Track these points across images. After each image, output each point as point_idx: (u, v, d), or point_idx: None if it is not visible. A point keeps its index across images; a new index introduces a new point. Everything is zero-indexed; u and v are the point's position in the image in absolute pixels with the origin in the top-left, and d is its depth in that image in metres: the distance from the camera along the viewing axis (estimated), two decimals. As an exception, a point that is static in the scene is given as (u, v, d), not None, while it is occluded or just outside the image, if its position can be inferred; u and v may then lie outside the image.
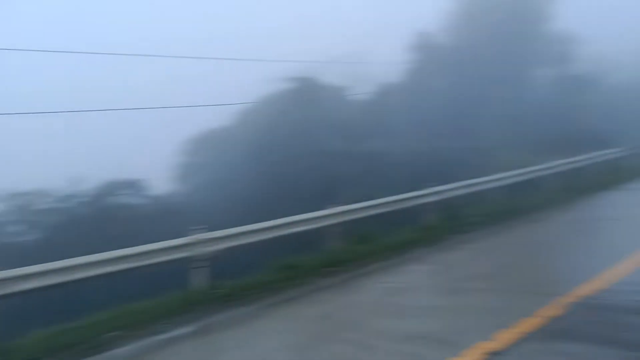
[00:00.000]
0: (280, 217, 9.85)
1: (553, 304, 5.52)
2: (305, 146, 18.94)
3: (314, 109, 20.85)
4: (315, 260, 9.33)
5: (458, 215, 12.04)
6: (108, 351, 6.45)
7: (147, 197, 21.92)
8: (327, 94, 22.79)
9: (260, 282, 8.51)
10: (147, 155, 28.56)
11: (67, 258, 7.30)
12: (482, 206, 13.24)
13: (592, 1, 43.47)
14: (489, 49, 26.01)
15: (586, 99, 26.17)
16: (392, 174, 18.85)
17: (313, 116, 20.49)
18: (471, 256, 9.04)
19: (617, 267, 6.66)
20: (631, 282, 6.10)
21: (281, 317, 6.92)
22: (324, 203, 10.72)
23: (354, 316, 6.41)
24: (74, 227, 17.51)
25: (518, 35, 27.23)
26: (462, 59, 25.79)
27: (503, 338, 4.90)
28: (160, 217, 17.42)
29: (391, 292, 7.31)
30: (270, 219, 9.70)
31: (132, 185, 21.94)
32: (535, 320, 5.21)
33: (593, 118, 24.08)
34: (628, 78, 34.06)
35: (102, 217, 18.59)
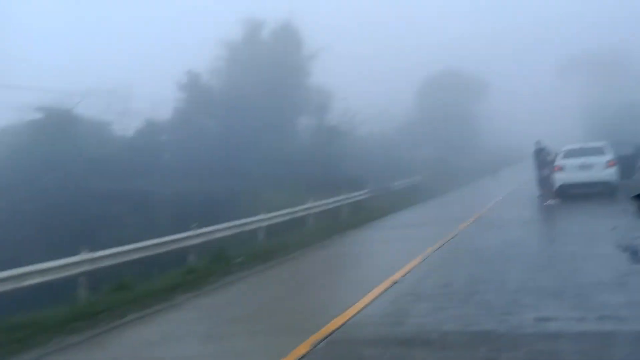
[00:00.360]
0: (24, 265, 8.40)
1: (304, 343, 5.51)
2: (58, 183, 16.90)
3: (68, 144, 18.84)
4: (60, 315, 8.07)
5: (224, 257, 11.80)
6: None
7: None
8: (84, 128, 20.89)
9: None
10: None
11: None
12: (249, 246, 13.28)
13: (344, 62, 48.79)
14: (256, 95, 27.02)
15: (340, 146, 28.74)
16: (158, 215, 17.96)
17: (67, 151, 18.48)
18: (234, 299, 8.82)
19: (363, 300, 7.03)
20: (372, 315, 6.47)
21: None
22: (78, 247, 9.51)
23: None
24: None
25: (282, 85, 28.86)
26: (231, 102, 26.28)
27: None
28: None
29: (147, 344, 6.62)
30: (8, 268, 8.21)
31: None
32: (286, 362, 5.12)
33: (346, 164, 26.45)
34: (373, 130, 38.74)
35: None
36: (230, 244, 13.06)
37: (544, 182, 17.71)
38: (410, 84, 52.03)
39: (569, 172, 16.82)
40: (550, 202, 16.89)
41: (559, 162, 17.32)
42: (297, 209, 16.50)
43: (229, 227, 13.38)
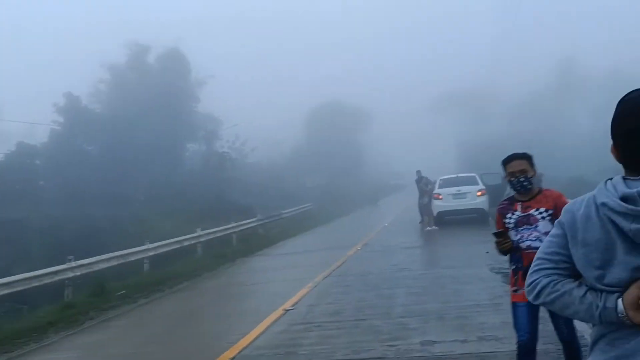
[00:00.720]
0: None
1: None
2: None
3: None
4: None
5: (105, 290, 10.98)
6: None
7: None
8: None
9: None
10: None
11: None
12: (133, 278, 12.50)
13: (235, 91, 48.67)
14: (142, 120, 25.99)
15: (230, 173, 28.38)
16: (31, 245, 16.42)
17: None
18: (116, 335, 8.17)
19: (254, 332, 6.84)
20: (263, 346, 6.29)
21: None
22: None
23: None
24: None
25: (170, 111, 28.05)
26: (114, 127, 25.00)
27: None
28: None
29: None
30: None
31: None
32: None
33: (236, 191, 26.12)
34: (263, 158, 38.81)
35: None
36: (112, 276, 12.23)
37: (424, 209, 18.65)
38: (299, 114, 53.14)
39: (445, 200, 17.87)
40: (430, 227, 17.80)
41: (437, 190, 18.37)
42: (185, 237, 15.89)
43: (111, 258, 12.52)
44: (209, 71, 32.77)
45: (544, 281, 1.58)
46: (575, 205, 1.58)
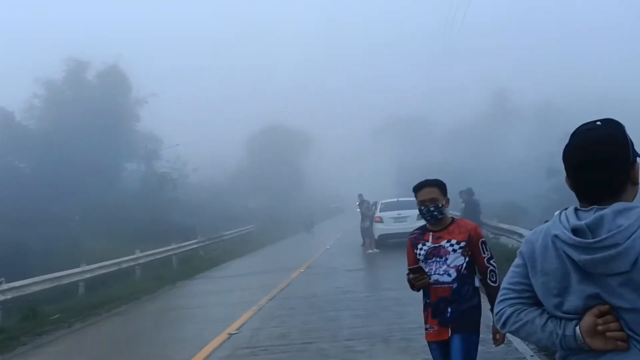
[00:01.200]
0: None
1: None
2: None
3: None
4: None
5: (38, 314, 10.43)
6: None
7: None
8: None
9: None
10: None
11: None
12: (68, 301, 11.95)
13: (176, 110, 47.97)
14: (79, 138, 25.11)
15: (170, 194, 27.76)
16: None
17: None
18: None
19: (196, 358, 6.70)
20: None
21: None
22: None
23: None
24: None
25: (109, 129, 27.25)
26: (49, 144, 23.99)
27: None
28: None
29: None
30: None
31: None
32: None
33: (177, 212, 25.57)
34: (204, 178, 38.23)
35: None
36: (46, 300, 11.64)
37: (366, 232, 18.92)
38: (242, 135, 52.93)
39: (386, 224, 18.21)
40: (371, 250, 18.06)
41: (378, 214, 18.71)
42: (123, 259, 15.35)
43: (44, 280, 11.91)
44: (151, 89, 32.17)
45: (508, 311, 1.66)
46: (534, 236, 1.66)
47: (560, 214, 1.61)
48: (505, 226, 14.75)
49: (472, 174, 34.16)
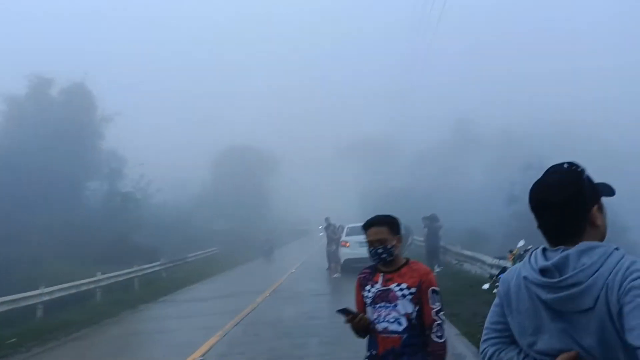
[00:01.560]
0: None
1: None
2: None
3: None
4: None
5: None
6: None
7: None
8: None
9: None
10: None
11: None
12: (25, 325, 11.52)
13: (142, 129, 47.37)
14: (40, 154, 24.46)
15: (134, 214, 27.23)
16: None
17: None
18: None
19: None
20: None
21: None
22: None
23: None
24: None
25: (72, 146, 26.65)
26: (8, 160, 23.26)
27: None
28: None
29: None
30: None
31: None
32: None
33: (139, 233, 25.06)
34: (168, 199, 37.64)
35: None
36: (2, 323, 11.20)
37: (332, 256, 18.95)
38: (207, 156, 52.54)
39: (352, 248, 18.29)
40: (337, 275, 18.07)
41: (344, 238, 18.79)
42: (83, 281, 14.94)
43: (1, 303, 11.49)
44: (117, 108, 31.66)
45: (490, 350, 1.73)
46: (509, 275, 1.74)
47: (530, 254, 1.68)
48: (469, 253, 15.03)
49: (435, 199, 34.73)
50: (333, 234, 19.15)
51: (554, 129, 43.90)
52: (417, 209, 28.66)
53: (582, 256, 1.54)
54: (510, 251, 7.43)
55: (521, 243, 7.33)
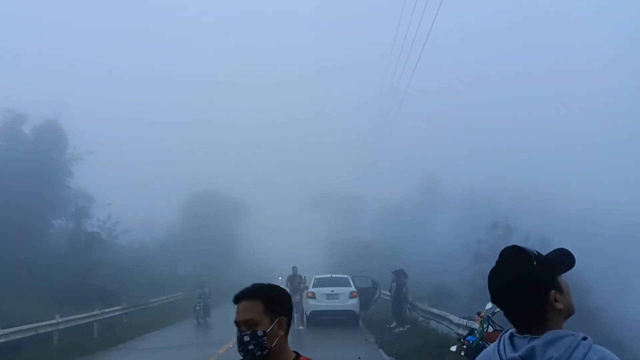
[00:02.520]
0: None
1: None
2: None
3: None
4: None
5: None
6: None
7: None
8: None
9: None
10: None
11: None
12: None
13: (111, 170, 46.80)
14: (6, 190, 23.87)
15: (97, 255, 26.53)
16: None
17: None
18: None
19: None
20: None
21: None
22: None
23: None
24: None
25: (38, 183, 26.11)
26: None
27: None
28: None
29: None
30: None
31: None
32: None
33: (102, 275, 24.33)
34: (134, 241, 36.90)
35: None
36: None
37: (296, 307, 18.66)
38: (176, 200, 51.99)
39: (319, 300, 18.09)
40: (301, 327, 17.77)
41: (311, 289, 18.56)
42: (41, 324, 14.25)
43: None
44: (88, 147, 31.34)
45: None
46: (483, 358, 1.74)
47: (499, 340, 1.68)
48: (436, 311, 15.01)
49: (402, 253, 34.90)
50: (298, 284, 18.91)
51: (519, 189, 45.05)
52: (384, 263, 28.73)
53: (548, 348, 1.53)
54: (478, 313, 7.50)
55: (489, 305, 7.40)
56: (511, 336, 1.65)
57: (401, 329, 16.09)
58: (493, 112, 65.14)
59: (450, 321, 12.87)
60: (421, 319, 17.22)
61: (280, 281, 22.43)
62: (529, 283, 1.59)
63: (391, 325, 16.92)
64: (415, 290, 19.18)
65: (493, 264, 1.72)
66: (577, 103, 60.57)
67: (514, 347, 1.61)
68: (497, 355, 1.64)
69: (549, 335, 1.55)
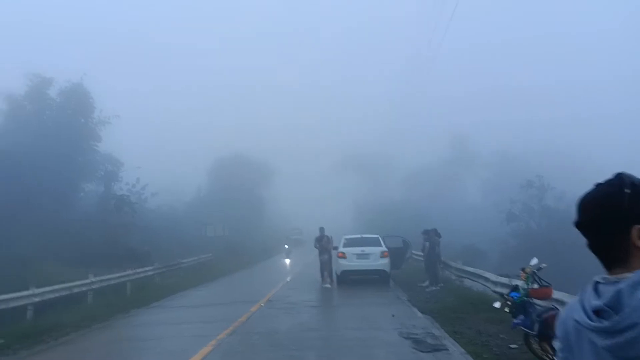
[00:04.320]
0: None
1: None
2: None
3: None
4: None
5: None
6: None
7: None
8: None
9: None
10: None
11: None
12: (14, 326, 11.11)
13: (140, 134, 47.04)
14: (36, 154, 24.08)
15: (127, 218, 26.84)
16: None
17: None
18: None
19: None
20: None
21: None
22: None
23: None
24: None
25: (68, 147, 26.29)
26: (6, 159, 22.82)
27: None
28: None
29: None
30: None
31: None
32: None
33: (133, 237, 24.65)
34: (162, 203, 37.28)
35: None
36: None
37: (324, 266, 18.58)
38: (204, 162, 52.27)
39: (349, 260, 17.93)
40: (328, 285, 17.74)
41: (341, 249, 18.39)
42: (75, 283, 14.50)
43: (-12, 304, 11.11)
44: (115, 111, 31.33)
45: None
46: (567, 313, 1.51)
47: (582, 290, 1.46)
48: (471, 269, 14.71)
49: (431, 215, 34.52)
50: (326, 245, 18.76)
51: (551, 148, 43.83)
52: (412, 224, 28.44)
53: (636, 289, 1.31)
54: (523, 269, 7.15)
55: (534, 261, 7.06)
56: (595, 285, 1.42)
57: (434, 288, 15.88)
58: (524, 73, 63.11)
59: (487, 279, 12.56)
60: (454, 277, 16.97)
61: (288, 249, 22.56)
62: (612, 205, 1.40)
63: (423, 284, 16.72)
64: (445, 250, 18.86)
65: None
66: (600, 63, 58.21)
67: (598, 295, 1.38)
68: (579, 307, 1.41)
69: (636, 275, 1.33)
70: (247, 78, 79.92)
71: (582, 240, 1.49)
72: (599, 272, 1.47)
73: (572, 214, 1.52)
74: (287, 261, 26.51)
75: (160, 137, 56.29)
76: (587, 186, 1.50)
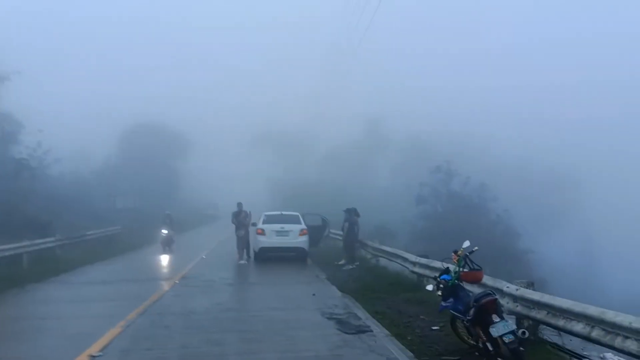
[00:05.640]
0: None
1: None
2: None
3: None
4: None
5: None
6: None
7: None
8: None
9: None
10: None
11: None
12: None
13: (44, 95, 43.11)
14: None
15: (26, 184, 24.38)
16: None
17: None
18: None
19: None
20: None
21: None
22: None
23: None
24: None
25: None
26: None
27: None
28: None
29: None
30: None
31: None
32: None
33: (32, 205, 22.41)
34: (66, 172, 34.40)
35: None
36: None
37: (241, 242, 17.87)
38: (114, 129, 48.93)
39: (268, 237, 17.31)
40: (244, 261, 17.10)
41: (260, 226, 17.71)
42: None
43: None
44: (16, 67, 28.19)
45: None
46: None
47: None
48: (389, 249, 14.58)
49: (344, 194, 34.65)
50: (243, 220, 18.01)
51: (459, 138, 45.42)
52: (331, 203, 28.30)
53: None
54: (455, 252, 6.88)
55: (466, 244, 6.83)
56: None
57: (350, 267, 15.67)
58: (438, 60, 64.91)
59: (406, 259, 12.43)
60: (370, 256, 16.88)
61: (167, 236, 21.01)
62: None
63: (340, 263, 16.47)
64: (361, 229, 18.74)
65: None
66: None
67: None
68: None
69: None
70: (171, 48, 75.54)
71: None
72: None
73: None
74: (166, 257, 19.61)
75: (71, 100, 51.90)
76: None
